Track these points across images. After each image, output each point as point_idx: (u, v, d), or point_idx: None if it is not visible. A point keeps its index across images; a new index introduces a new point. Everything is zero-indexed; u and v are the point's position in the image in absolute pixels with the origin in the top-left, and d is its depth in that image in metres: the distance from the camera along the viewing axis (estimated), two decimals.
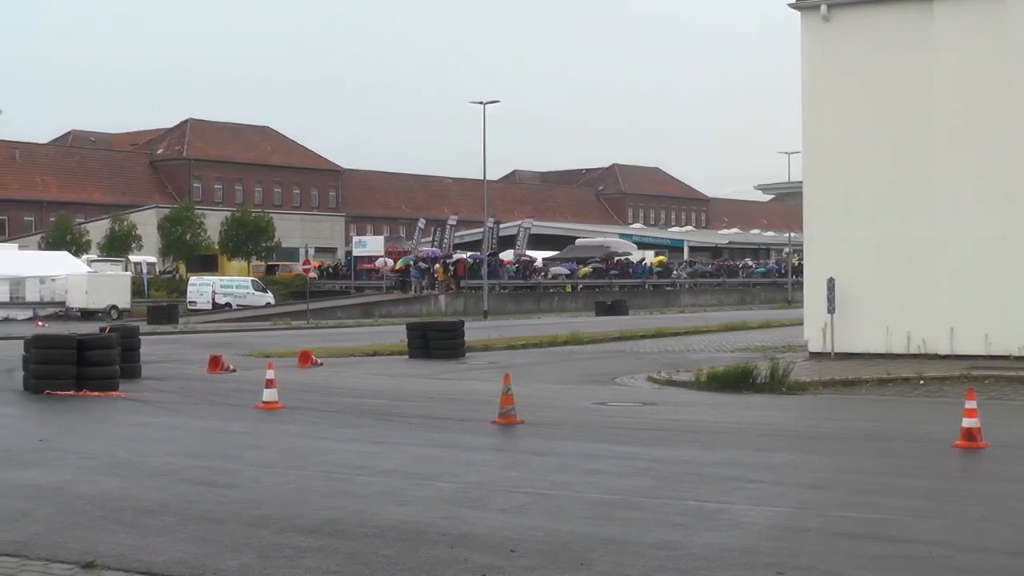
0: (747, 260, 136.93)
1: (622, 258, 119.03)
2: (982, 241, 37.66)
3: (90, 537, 12.39)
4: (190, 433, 21.73)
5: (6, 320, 77.32)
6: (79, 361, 28.29)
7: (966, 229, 37.81)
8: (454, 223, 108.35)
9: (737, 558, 11.56)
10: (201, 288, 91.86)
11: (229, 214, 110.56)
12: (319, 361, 39.31)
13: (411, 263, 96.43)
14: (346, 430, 21.94)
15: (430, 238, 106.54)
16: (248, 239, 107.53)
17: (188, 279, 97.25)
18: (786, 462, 18.13)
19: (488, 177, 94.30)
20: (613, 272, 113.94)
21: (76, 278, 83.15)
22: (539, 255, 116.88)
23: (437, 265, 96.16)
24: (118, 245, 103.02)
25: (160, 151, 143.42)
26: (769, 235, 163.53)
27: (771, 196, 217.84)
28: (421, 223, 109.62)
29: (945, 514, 13.96)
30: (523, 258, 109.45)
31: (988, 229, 37.55)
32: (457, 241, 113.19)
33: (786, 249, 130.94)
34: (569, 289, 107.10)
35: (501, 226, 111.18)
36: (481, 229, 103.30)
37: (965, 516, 13.87)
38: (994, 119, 37.48)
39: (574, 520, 13.33)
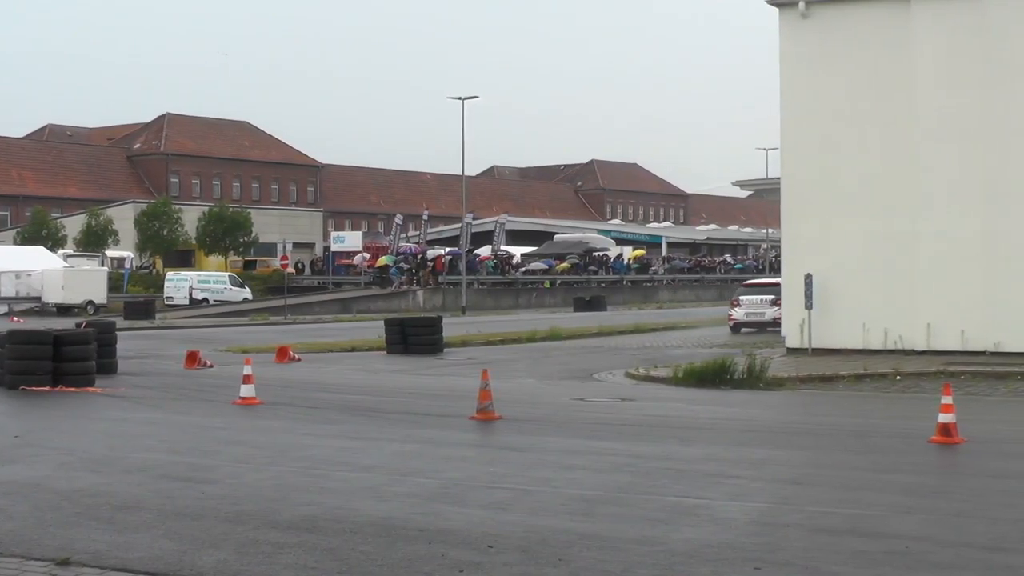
0: (725, 256, 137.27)
1: (600, 254, 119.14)
2: (959, 238, 37.67)
3: (66, 534, 12.31)
4: (168, 429, 21.62)
5: None
6: (55, 357, 28.15)
7: (943, 227, 37.83)
8: (426, 217, 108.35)
9: (716, 553, 11.55)
10: (178, 283, 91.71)
11: (207, 209, 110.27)
12: (297, 357, 39.25)
13: (392, 263, 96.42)
14: (324, 426, 21.89)
15: (405, 234, 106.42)
16: (226, 234, 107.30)
17: (165, 274, 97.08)
18: (765, 458, 18.12)
19: (467, 172, 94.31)
20: (591, 268, 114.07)
21: (52, 273, 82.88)
22: (517, 251, 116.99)
23: (418, 260, 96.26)
24: (94, 240, 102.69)
25: (137, 146, 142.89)
26: (747, 231, 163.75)
27: (749, 192, 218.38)
28: (398, 219, 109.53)
29: (924, 509, 13.97)
30: (501, 254, 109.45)
31: (966, 226, 37.56)
32: (435, 236, 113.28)
33: (764, 245, 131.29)
34: (547, 285, 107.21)
35: (478, 222, 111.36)
36: (459, 224, 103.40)
37: (943, 511, 13.92)
38: (975, 115, 37.50)
39: (553, 516, 13.30)
